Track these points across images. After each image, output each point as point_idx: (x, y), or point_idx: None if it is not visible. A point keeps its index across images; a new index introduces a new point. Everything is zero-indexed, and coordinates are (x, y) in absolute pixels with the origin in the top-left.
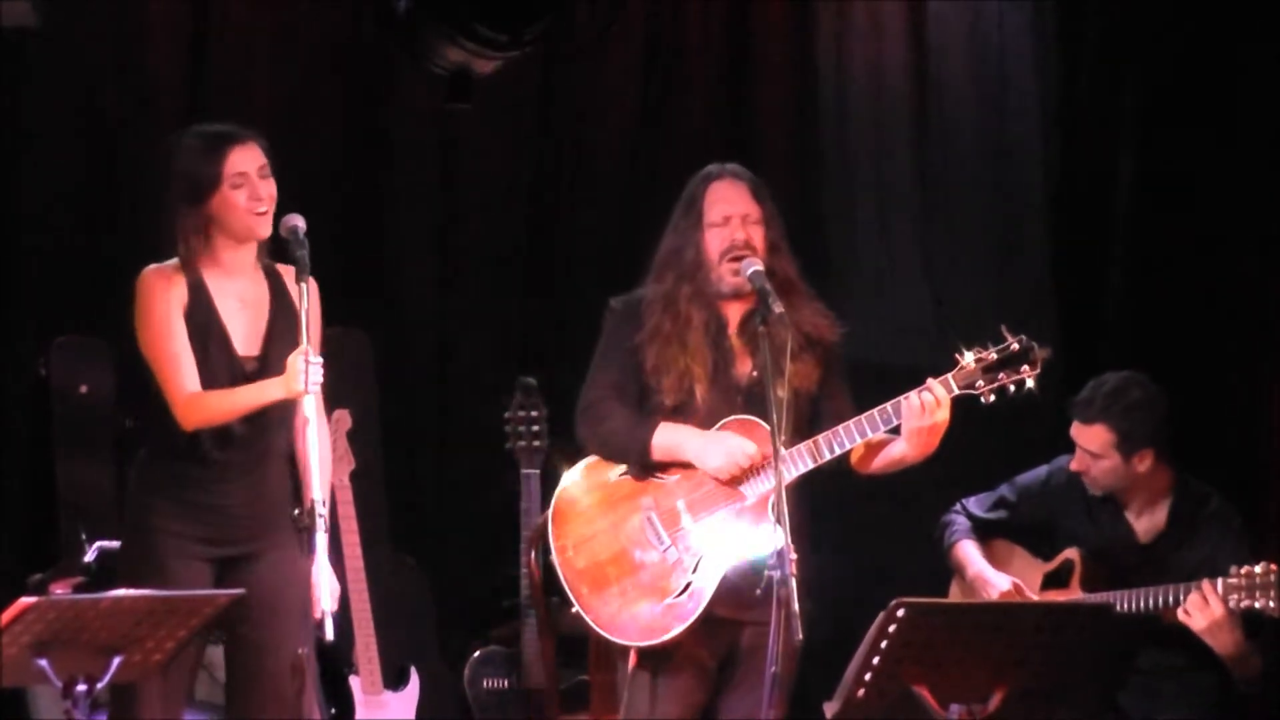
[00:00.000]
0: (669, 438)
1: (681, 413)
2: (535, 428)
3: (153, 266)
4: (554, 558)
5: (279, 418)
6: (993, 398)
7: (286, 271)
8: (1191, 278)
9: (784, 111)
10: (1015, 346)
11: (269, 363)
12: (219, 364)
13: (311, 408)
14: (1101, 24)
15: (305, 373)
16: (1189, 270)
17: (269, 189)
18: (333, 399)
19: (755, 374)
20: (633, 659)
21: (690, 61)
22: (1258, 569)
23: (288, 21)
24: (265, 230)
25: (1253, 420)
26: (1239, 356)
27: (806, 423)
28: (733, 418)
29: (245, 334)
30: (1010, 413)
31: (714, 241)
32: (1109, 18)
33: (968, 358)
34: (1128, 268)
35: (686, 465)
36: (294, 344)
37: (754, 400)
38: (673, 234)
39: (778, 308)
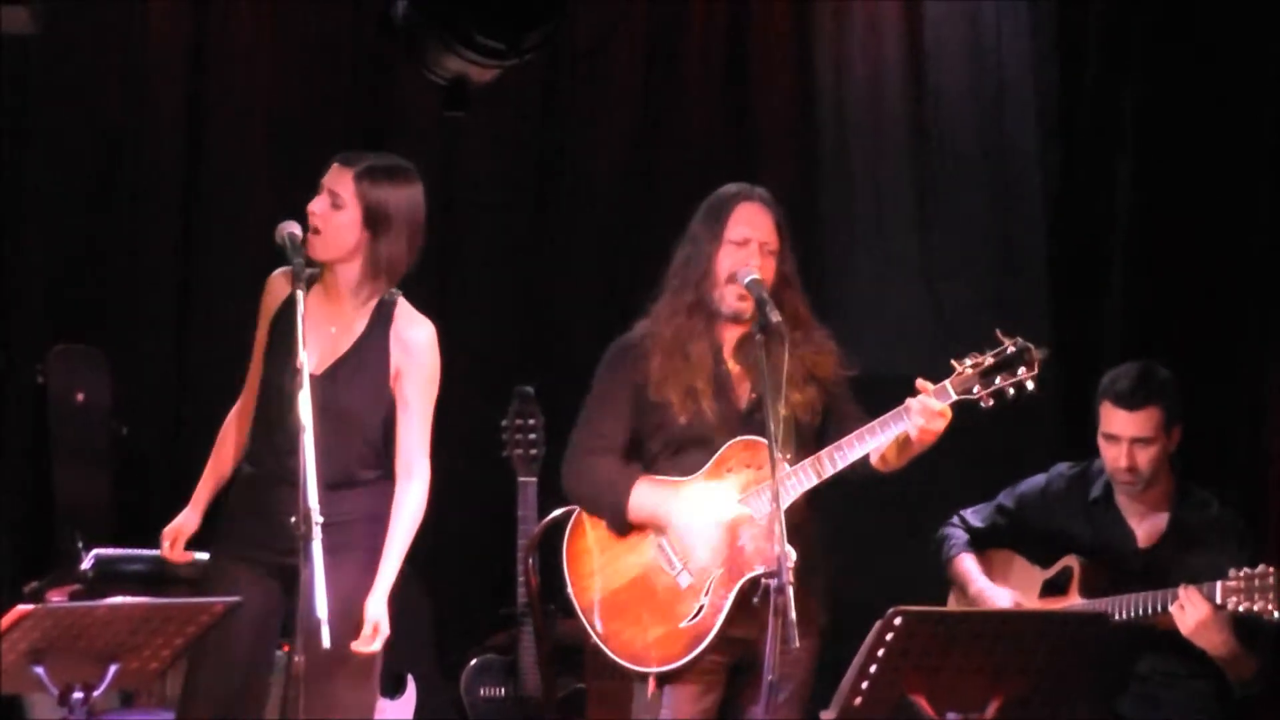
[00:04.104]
0: (646, 502)
1: (693, 430)
2: (532, 436)
3: (281, 269)
4: (569, 590)
5: (332, 447)
6: (991, 402)
7: (402, 312)
8: (1190, 281)
9: (783, 116)
10: (1011, 349)
11: (324, 388)
12: (278, 373)
13: (307, 414)
14: (1100, 26)
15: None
16: (1188, 274)
17: (327, 216)
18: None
19: (755, 396)
20: (652, 685)
21: (689, 68)
22: (1256, 571)
23: (287, 29)
24: (314, 252)
25: (1253, 424)
26: (1239, 360)
27: (812, 448)
28: (737, 439)
29: (318, 353)
30: (1010, 419)
31: (727, 260)
32: (1108, 20)
33: (964, 363)
34: (1126, 271)
35: (692, 489)
36: (369, 383)
37: (754, 425)
38: (689, 243)
39: (775, 316)
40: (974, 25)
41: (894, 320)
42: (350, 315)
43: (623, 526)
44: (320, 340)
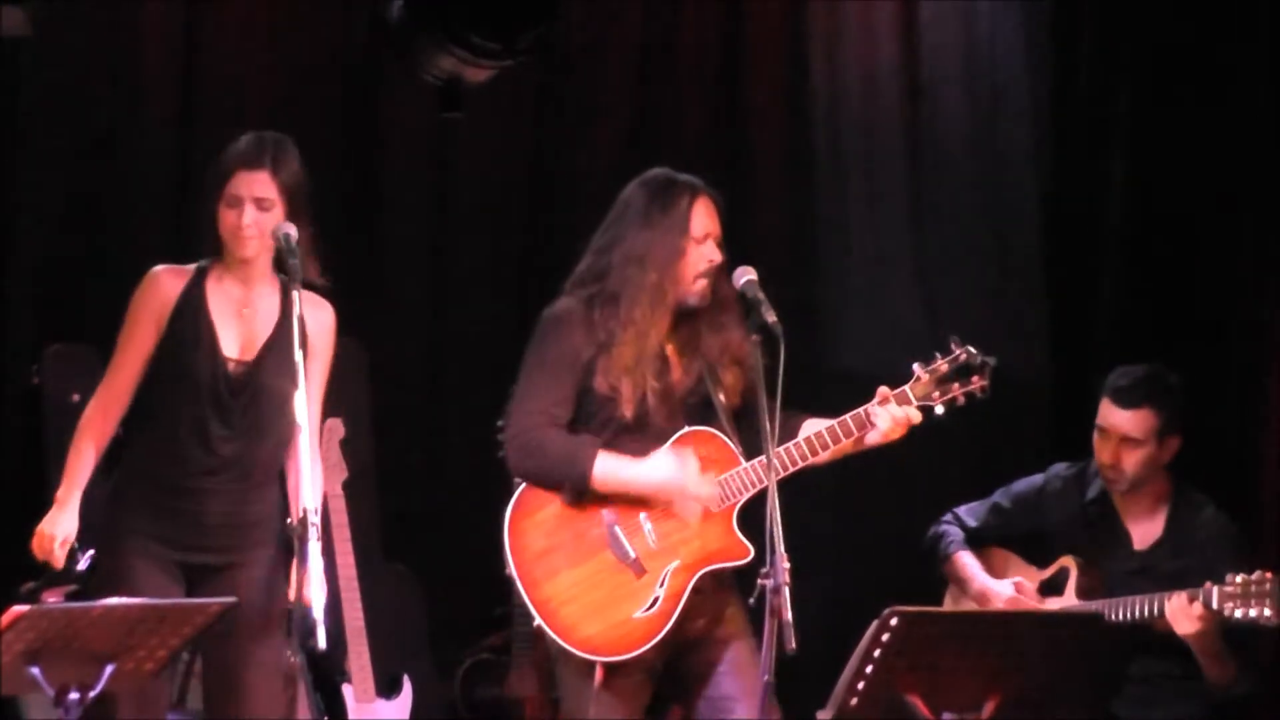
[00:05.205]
0: (611, 473)
1: (638, 426)
2: None
3: (162, 266)
4: (511, 572)
5: (268, 432)
6: (942, 410)
7: (306, 297)
8: (1185, 281)
9: (776, 116)
10: (964, 357)
11: (260, 371)
12: (202, 362)
13: (303, 415)
14: (1095, 26)
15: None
16: (1182, 274)
17: (261, 221)
18: (326, 407)
19: (692, 382)
20: (599, 674)
21: (683, 67)
22: (1253, 577)
23: (280, 30)
24: (245, 251)
25: (1248, 426)
26: (1234, 361)
27: (739, 436)
28: (686, 430)
29: (240, 339)
30: (1005, 419)
31: (693, 257)
32: (1103, 20)
33: (917, 369)
34: (1121, 272)
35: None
36: (291, 367)
37: (694, 410)
38: (644, 230)
39: (770, 317)
40: (968, 25)
41: (888, 319)
42: (260, 298)
43: (579, 501)
44: (236, 325)
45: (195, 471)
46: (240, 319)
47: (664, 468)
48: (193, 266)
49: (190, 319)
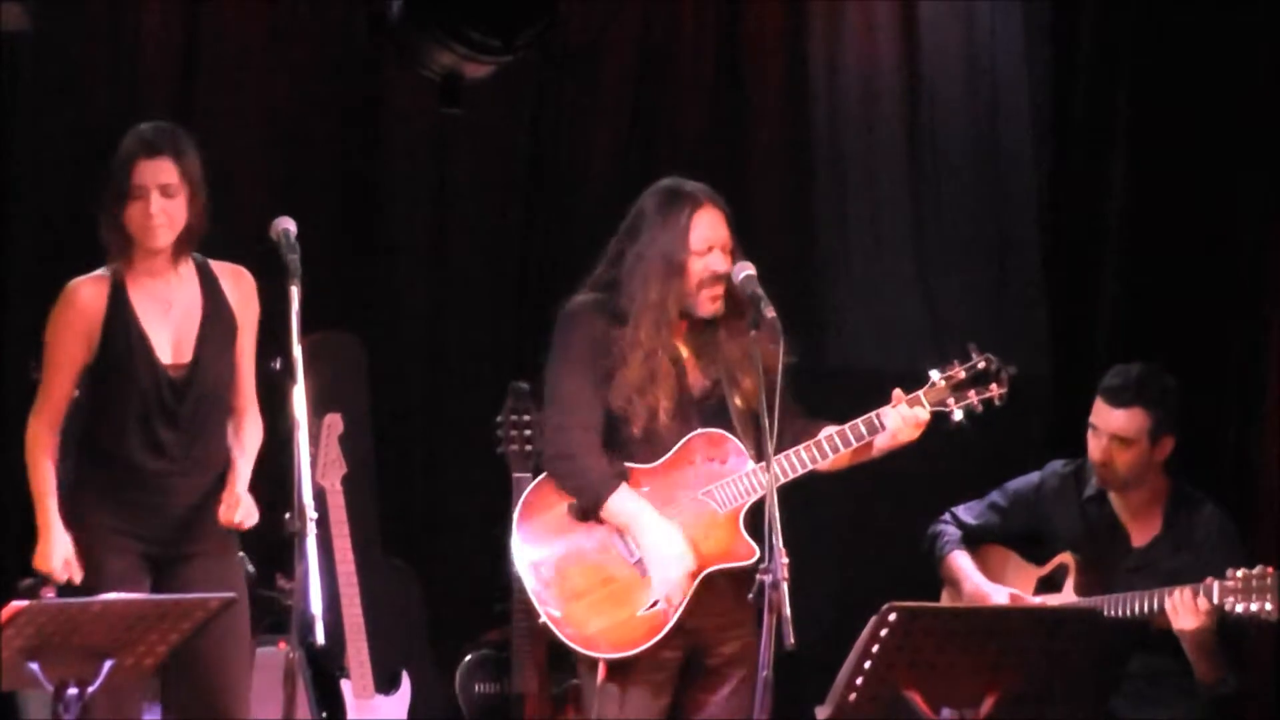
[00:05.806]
0: (617, 511)
1: (648, 439)
2: (527, 432)
3: (79, 278)
4: (519, 568)
5: (216, 424)
6: (960, 415)
7: (222, 270)
8: (1185, 281)
9: (776, 116)
10: (982, 364)
11: (199, 370)
12: (142, 373)
13: (301, 411)
14: (1094, 25)
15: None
16: (1182, 273)
17: (169, 208)
18: (325, 403)
19: (709, 385)
20: (602, 670)
21: (682, 66)
22: (1255, 572)
23: (280, 26)
24: (157, 242)
25: (1247, 425)
26: (1234, 360)
27: (753, 434)
28: (699, 431)
29: (173, 341)
30: (1003, 417)
31: (695, 267)
32: (1102, 19)
33: (934, 375)
34: (1121, 271)
35: (654, 478)
36: (228, 349)
37: (709, 413)
38: (648, 245)
39: (769, 312)
40: (968, 25)
41: (888, 319)
42: (179, 290)
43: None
44: (166, 328)
45: (149, 473)
46: (168, 320)
47: (663, 543)
48: (107, 273)
49: (121, 332)
